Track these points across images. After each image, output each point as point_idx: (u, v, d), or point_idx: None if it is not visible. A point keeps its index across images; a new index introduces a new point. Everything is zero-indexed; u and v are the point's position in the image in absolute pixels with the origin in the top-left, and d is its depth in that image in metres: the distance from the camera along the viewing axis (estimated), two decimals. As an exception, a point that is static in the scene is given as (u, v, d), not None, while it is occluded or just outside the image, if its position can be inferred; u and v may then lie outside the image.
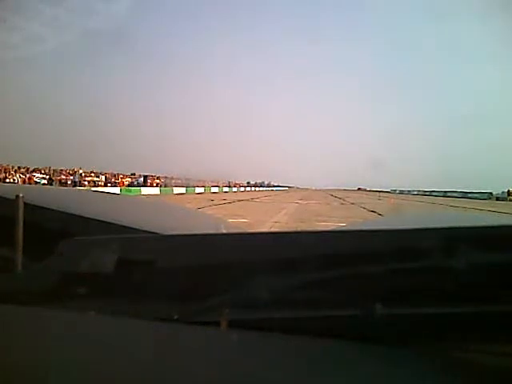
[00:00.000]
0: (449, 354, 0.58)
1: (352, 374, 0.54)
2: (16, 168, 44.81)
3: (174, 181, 66.08)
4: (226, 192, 75.93)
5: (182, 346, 0.61)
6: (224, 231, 1.42)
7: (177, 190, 56.30)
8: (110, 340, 0.63)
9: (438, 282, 0.60)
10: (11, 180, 39.17)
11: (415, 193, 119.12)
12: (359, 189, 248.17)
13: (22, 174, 43.48)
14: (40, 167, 48.00)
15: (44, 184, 40.45)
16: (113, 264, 0.72)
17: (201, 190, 66.62)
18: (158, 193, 49.67)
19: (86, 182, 49.16)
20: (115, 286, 0.74)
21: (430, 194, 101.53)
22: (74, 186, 42.54)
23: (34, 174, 44.40)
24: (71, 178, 48.12)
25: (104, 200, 1.76)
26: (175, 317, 0.65)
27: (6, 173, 41.54)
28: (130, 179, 59.93)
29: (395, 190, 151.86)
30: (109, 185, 50.58)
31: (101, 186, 47.94)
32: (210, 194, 55.43)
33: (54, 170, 49.47)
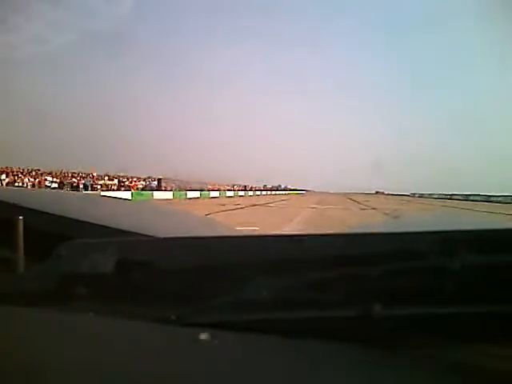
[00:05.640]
0: (448, 355, 0.58)
1: (352, 375, 0.54)
2: (26, 171, 44.33)
3: (189, 185, 65.49)
4: (241, 196, 74.80)
5: (181, 348, 0.61)
6: (222, 234, 1.46)
7: (191, 194, 55.32)
8: (108, 342, 0.63)
9: (437, 284, 0.60)
10: (20, 183, 38.57)
11: (435, 196, 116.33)
12: (377, 192, 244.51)
13: (32, 177, 42.92)
14: (52, 170, 47.54)
15: (54, 188, 39.86)
16: (111, 266, 0.73)
17: (216, 194, 65.58)
18: (171, 197, 48.67)
19: (99, 186, 48.50)
20: (114, 289, 0.75)
21: (451, 197, 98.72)
22: (85, 189, 41.85)
23: (46, 178, 43.84)
24: (83, 181, 47.50)
25: (102, 204, 1.81)
26: (174, 317, 0.65)
27: (14, 176, 40.99)
28: (144, 182, 59.28)
29: (414, 194, 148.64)
30: (122, 188, 49.85)
31: (113, 189, 47.19)
32: (223, 199, 54.24)
33: (65, 173, 48.95)
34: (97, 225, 1.00)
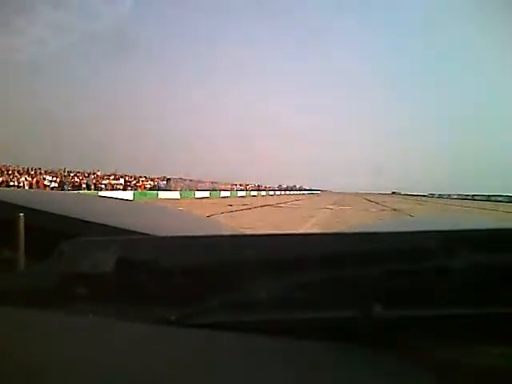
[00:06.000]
0: (448, 355, 0.58)
1: (352, 375, 0.55)
2: (23, 170, 42.06)
3: (200, 184, 63.41)
4: (253, 196, 72.28)
5: (181, 349, 0.61)
6: (222, 233, 1.46)
7: (200, 194, 52.92)
8: (109, 341, 0.63)
9: (437, 284, 0.61)
10: (15, 183, 36.23)
11: (455, 197, 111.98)
12: (393, 193, 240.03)
13: (30, 176, 40.66)
14: (53, 170, 45.36)
15: (54, 187, 37.63)
16: (112, 265, 0.73)
17: (227, 193, 63.05)
18: (178, 197, 46.25)
19: (103, 186, 46.30)
20: (114, 288, 0.75)
21: (473, 198, 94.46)
22: (88, 189, 39.61)
23: (44, 177, 41.59)
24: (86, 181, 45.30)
25: (103, 203, 1.83)
26: (173, 318, 0.65)
27: (9, 175, 38.70)
28: (152, 182, 57.10)
29: (433, 194, 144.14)
30: (129, 188, 47.66)
31: (118, 189, 44.94)
32: (233, 199, 51.71)
33: (68, 172, 46.83)
34: (98, 223, 1.01)
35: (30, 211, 0.93)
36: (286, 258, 0.69)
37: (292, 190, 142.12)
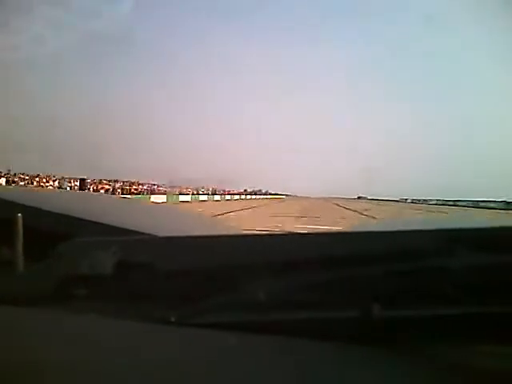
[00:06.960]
0: (448, 355, 0.58)
1: (352, 375, 0.54)
2: None
3: (135, 187, 49.84)
4: (202, 201, 58.47)
5: (181, 348, 0.61)
6: (222, 233, 1.49)
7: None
8: (108, 341, 0.63)
9: (436, 284, 0.60)
10: None
11: (433, 202, 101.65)
12: (359, 197, 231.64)
13: None
14: None
15: None
16: (112, 266, 0.73)
17: (162, 198, 48.78)
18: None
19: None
20: (114, 288, 0.75)
21: (455, 204, 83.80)
22: None
23: None
24: None
25: (103, 202, 1.87)
26: (173, 319, 0.65)
27: None
28: (57, 183, 42.54)
29: (406, 199, 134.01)
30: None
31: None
32: (165, 206, 37.58)
33: None
34: (97, 223, 1.00)
35: (28, 210, 0.92)
36: (286, 258, 0.68)
37: (256, 194, 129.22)
